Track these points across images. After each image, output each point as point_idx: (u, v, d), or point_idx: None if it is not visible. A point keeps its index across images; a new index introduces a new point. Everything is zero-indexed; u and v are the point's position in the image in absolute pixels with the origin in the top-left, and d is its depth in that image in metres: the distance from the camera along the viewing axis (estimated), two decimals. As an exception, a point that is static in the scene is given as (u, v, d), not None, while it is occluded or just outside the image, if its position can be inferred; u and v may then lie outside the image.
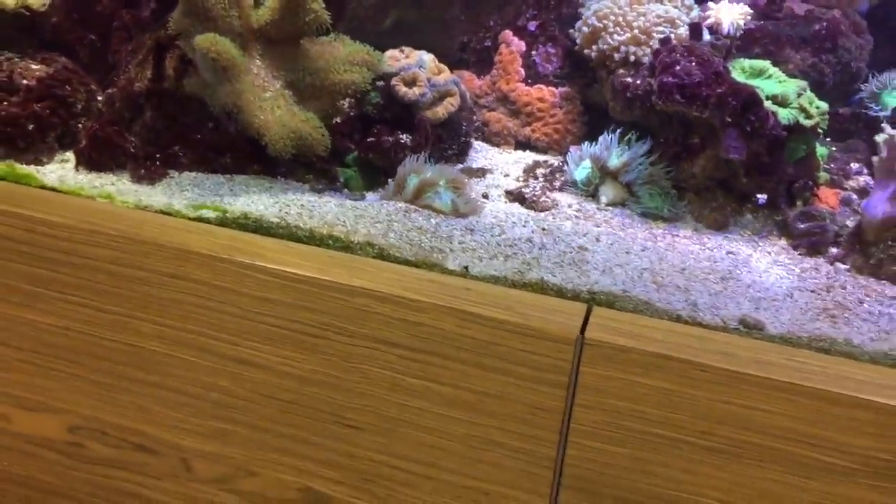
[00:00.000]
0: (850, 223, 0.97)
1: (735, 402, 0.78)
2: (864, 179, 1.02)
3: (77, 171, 1.01)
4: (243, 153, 1.01)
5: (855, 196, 1.00)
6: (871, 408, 0.75)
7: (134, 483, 1.04)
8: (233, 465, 0.99)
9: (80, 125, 1.04)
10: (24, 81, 1.03)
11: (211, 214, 0.93)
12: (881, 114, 1.05)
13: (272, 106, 0.95)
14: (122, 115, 1.03)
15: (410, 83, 1.00)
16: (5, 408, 1.05)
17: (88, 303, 0.95)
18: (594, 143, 1.02)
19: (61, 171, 1.01)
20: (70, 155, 1.04)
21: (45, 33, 1.09)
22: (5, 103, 1.02)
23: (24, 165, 1.00)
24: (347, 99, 1.04)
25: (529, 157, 1.11)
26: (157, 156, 1.00)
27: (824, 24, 1.04)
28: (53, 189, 0.97)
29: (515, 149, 1.13)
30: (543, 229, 0.95)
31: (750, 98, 0.91)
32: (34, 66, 1.05)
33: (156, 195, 0.96)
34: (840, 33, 1.05)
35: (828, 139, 1.09)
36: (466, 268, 0.88)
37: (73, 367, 0.99)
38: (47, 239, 0.92)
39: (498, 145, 1.13)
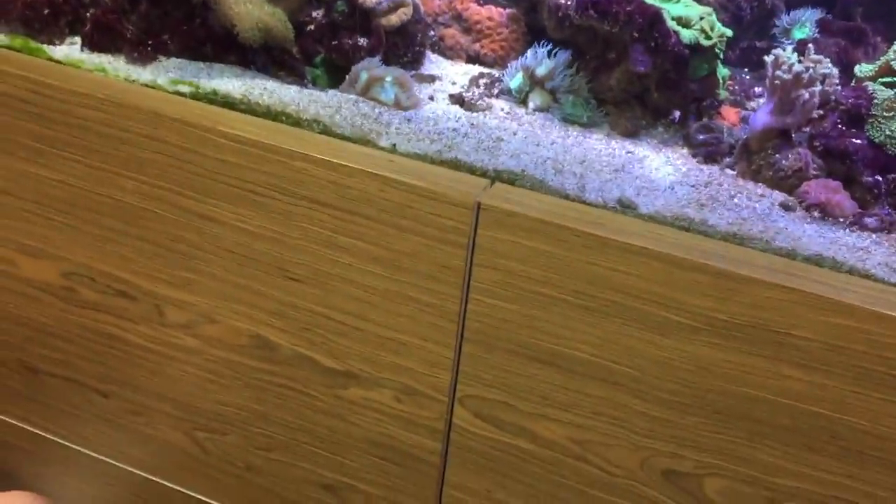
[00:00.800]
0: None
1: (601, 264, 0.92)
2: (763, 100, 1.14)
3: (82, 51, 1.17)
4: (223, 45, 1.16)
5: (753, 114, 1.13)
6: (709, 272, 0.88)
7: (117, 327, 1.21)
8: (197, 312, 1.15)
9: (87, 14, 1.21)
10: (42, -26, 1.20)
11: (186, 89, 1.09)
12: (789, 45, 1.16)
13: (245, 0, 1.11)
14: (122, 5, 1.19)
15: (370, -8, 1.14)
16: (12, 253, 1.22)
17: (81, 160, 1.11)
18: (524, 57, 1.16)
19: (68, 50, 1.17)
20: (78, 39, 1.20)
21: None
22: (26, -8, 1.19)
23: (39, 44, 1.17)
24: (319, 10, 1.19)
25: (477, 69, 1.25)
26: (150, 42, 1.16)
27: (744, -38, 1.17)
28: (58, 61, 1.14)
29: (466, 62, 1.28)
30: (472, 124, 1.09)
31: (654, 16, 1.03)
32: (51, -38, 1.21)
33: (144, 74, 1.12)
34: (758, -29, 1.17)
35: (745, 69, 1.21)
36: (394, 145, 1.02)
37: (68, 218, 1.16)
38: (48, 101, 1.09)
39: (451, 59, 1.27)
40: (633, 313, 0.93)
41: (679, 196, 0.98)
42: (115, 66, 1.14)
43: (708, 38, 1.05)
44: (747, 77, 1.19)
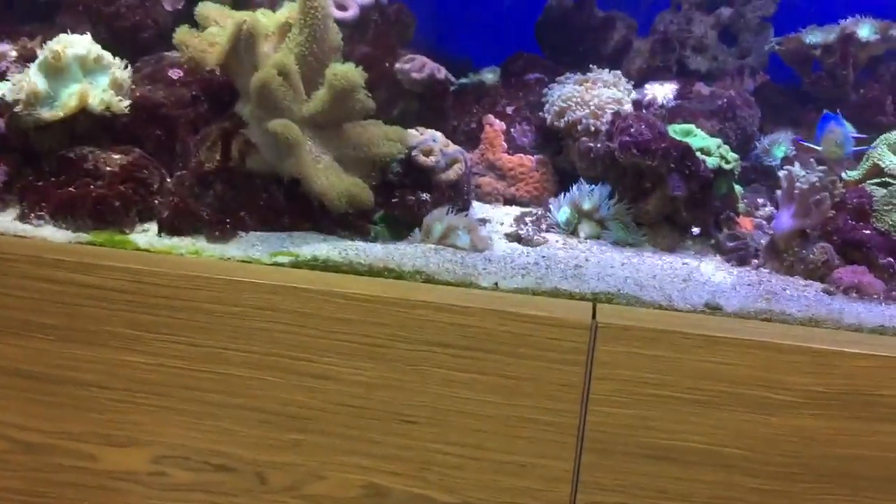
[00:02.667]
0: (763, 241, 1.30)
1: (710, 360, 1.06)
2: (769, 209, 1.36)
3: (160, 237, 1.22)
4: (297, 214, 1.25)
5: (764, 222, 1.34)
6: (806, 352, 1.04)
7: (209, 503, 1.21)
8: (304, 472, 1.18)
9: (156, 201, 1.26)
10: (108, 168, 1.25)
11: (285, 259, 1.16)
12: (773, 163, 1.40)
13: (326, 174, 1.21)
14: (192, 190, 1.26)
15: (427, 153, 1.28)
16: (93, 447, 1.21)
17: (183, 340, 1.14)
18: (568, 194, 1.32)
19: (145, 237, 1.22)
20: (148, 226, 1.25)
21: (118, 130, 1.31)
22: (92, 187, 1.24)
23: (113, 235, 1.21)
24: (373, 174, 1.30)
25: (516, 210, 1.41)
26: (227, 220, 1.23)
27: (725, 100, 1.41)
28: (147, 250, 1.18)
29: (504, 204, 1.43)
30: (543, 256, 1.23)
31: (685, 150, 1.23)
32: (115, 156, 1.27)
33: (233, 250, 1.19)
34: (737, 107, 1.41)
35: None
36: (496, 284, 1.14)
37: (163, 400, 1.17)
38: (152, 287, 1.12)
39: (490, 203, 1.42)
40: (740, 399, 1.06)
41: (745, 294, 1.15)
42: (201, 246, 1.19)
43: (727, 162, 1.26)
44: (743, 192, 1.41)
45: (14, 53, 1.37)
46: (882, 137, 1.30)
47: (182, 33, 1.23)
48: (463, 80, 1.49)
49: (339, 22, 1.29)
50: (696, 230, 1.34)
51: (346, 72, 1.20)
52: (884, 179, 1.24)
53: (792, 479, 1.08)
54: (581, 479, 1.13)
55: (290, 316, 1.11)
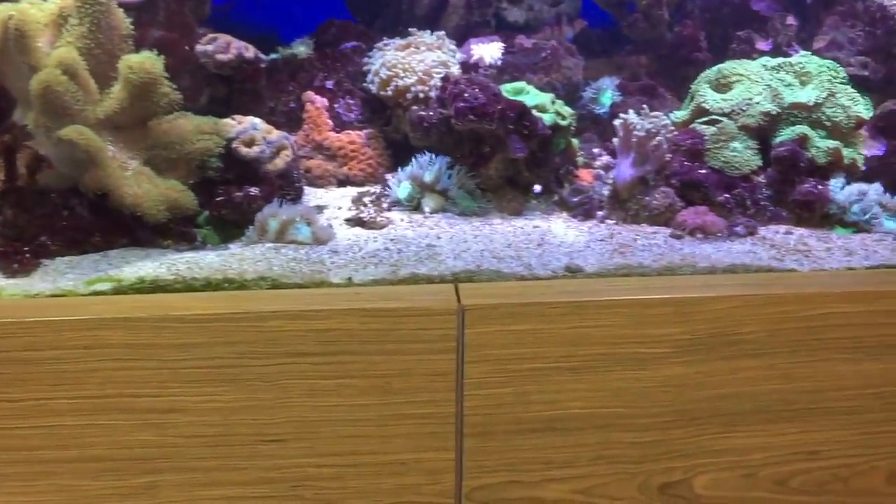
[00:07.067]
0: (606, 191, 1.29)
1: (580, 325, 1.03)
2: (605, 159, 1.36)
3: (-59, 278, 1.03)
4: (109, 230, 1.10)
5: (602, 172, 1.33)
6: (670, 303, 1.04)
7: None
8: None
9: (-71, 237, 1.07)
10: None
11: (105, 286, 1.02)
12: (601, 111, 1.39)
13: (137, 182, 1.06)
14: (-29, 218, 1.07)
15: (249, 143, 1.16)
16: None
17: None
18: (406, 167, 1.25)
19: (-76, 282, 1.03)
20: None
21: None
22: None
23: None
24: (190, 173, 1.16)
25: (351, 191, 1.31)
26: (25, 249, 1.06)
27: (548, 51, 1.38)
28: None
29: (337, 187, 1.33)
30: (392, 240, 1.15)
31: (522, 109, 1.19)
32: None
33: (40, 283, 1.02)
34: (560, 57, 1.39)
35: (570, 135, 1.42)
36: (350, 278, 1.05)
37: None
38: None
39: (322, 187, 1.32)
40: (614, 358, 1.05)
41: (600, 251, 1.13)
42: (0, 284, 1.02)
43: (563, 118, 1.23)
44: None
45: None
46: (702, 76, 1.32)
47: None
48: (273, 56, 1.36)
49: (123, 5, 1.13)
50: (537, 188, 1.31)
51: (143, 62, 1.06)
52: (710, 117, 1.26)
53: (666, 427, 1.09)
54: (465, 466, 1.09)
55: (123, 350, 0.98)
